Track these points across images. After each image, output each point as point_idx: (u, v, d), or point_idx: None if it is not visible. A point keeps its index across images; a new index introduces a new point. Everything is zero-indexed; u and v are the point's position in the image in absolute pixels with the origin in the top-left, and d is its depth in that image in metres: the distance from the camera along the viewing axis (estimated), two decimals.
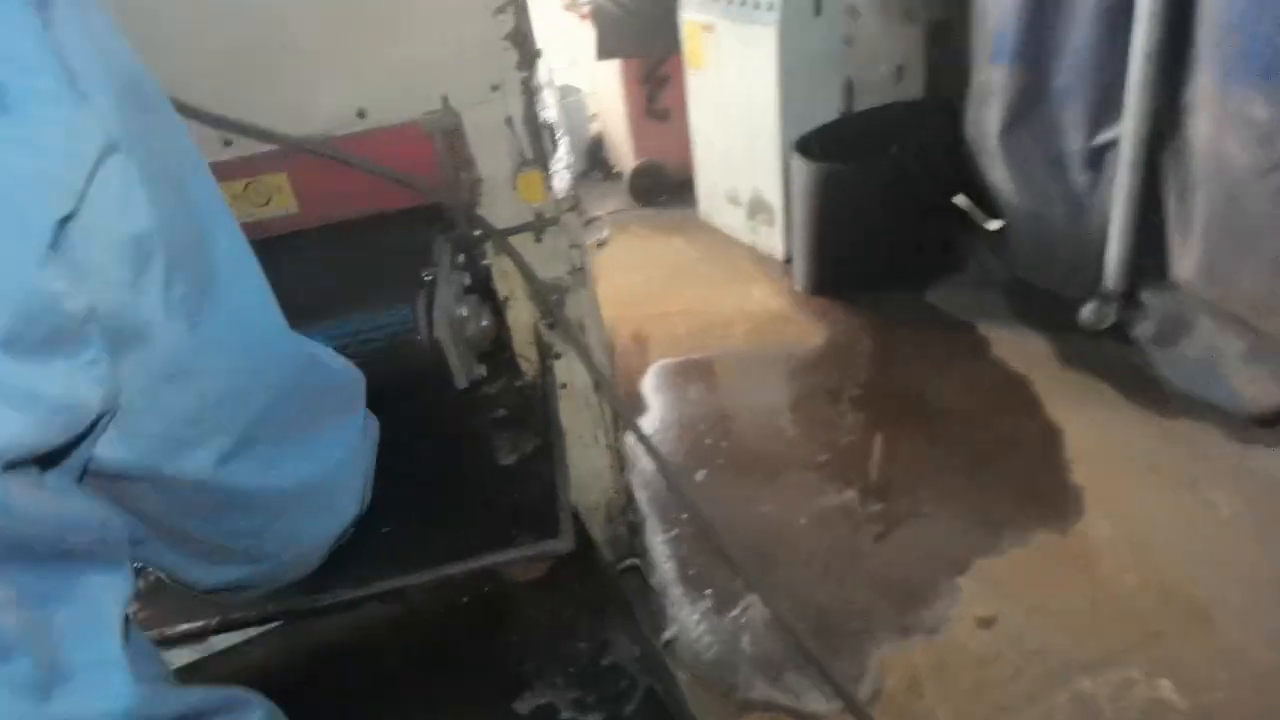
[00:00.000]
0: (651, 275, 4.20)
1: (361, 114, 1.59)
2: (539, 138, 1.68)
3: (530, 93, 1.63)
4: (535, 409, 1.91)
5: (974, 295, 3.57)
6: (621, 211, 4.99)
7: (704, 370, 3.42)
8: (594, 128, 5.69)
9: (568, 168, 1.87)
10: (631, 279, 4.17)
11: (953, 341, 3.34)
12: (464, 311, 1.39)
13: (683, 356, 3.50)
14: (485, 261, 1.74)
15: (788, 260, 3.98)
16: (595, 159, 5.67)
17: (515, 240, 1.74)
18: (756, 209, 4.13)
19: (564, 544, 1.48)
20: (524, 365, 1.96)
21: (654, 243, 4.58)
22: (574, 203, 1.78)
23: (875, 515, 2.58)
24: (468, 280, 1.51)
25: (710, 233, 4.52)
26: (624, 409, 1.77)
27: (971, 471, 2.69)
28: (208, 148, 1.58)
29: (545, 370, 1.88)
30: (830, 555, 2.47)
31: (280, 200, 1.66)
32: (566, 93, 5.42)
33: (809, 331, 3.53)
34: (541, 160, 1.69)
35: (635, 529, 2.40)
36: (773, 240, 4.08)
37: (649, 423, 3.11)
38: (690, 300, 3.91)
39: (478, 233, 1.69)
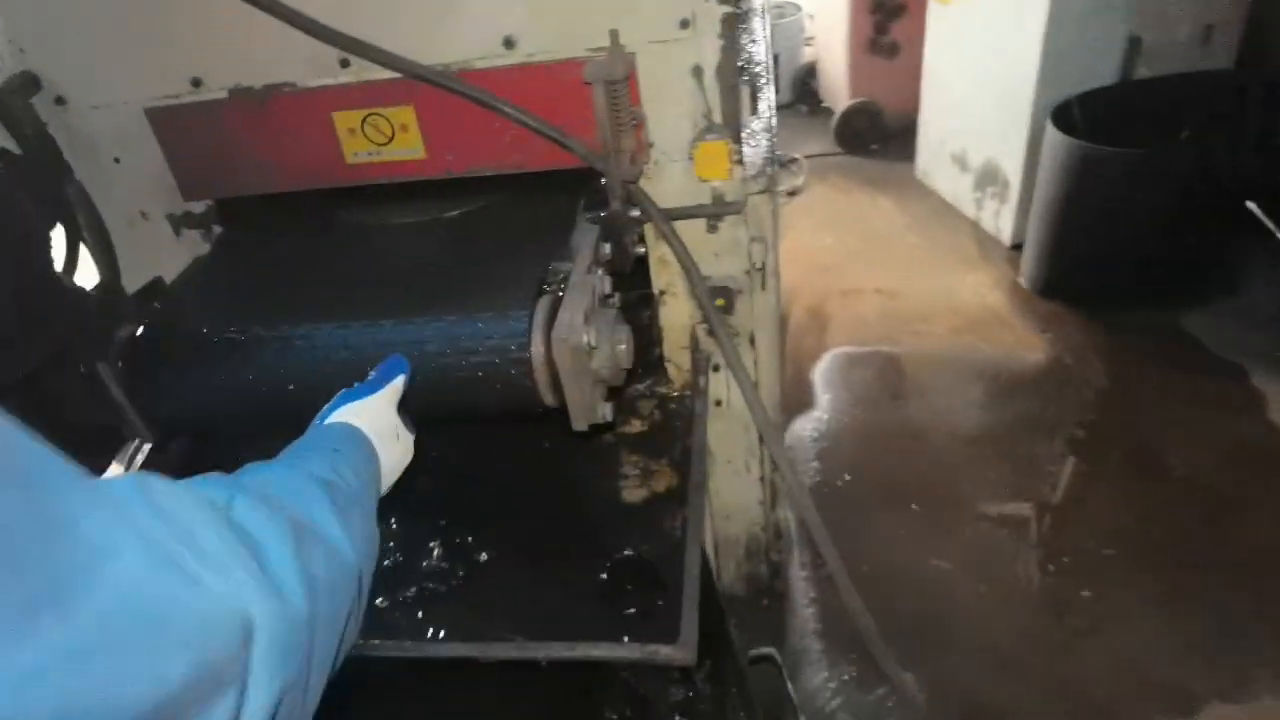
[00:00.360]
0: (847, 239, 3.67)
1: (509, 44, 1.22)
2: (734, 97, 1.25)
3: (732, 34, 1.19)
4: (677, 432, 1.55)
5: (1249, 331, 2.83)
6: (824, 156, 4.42)
7: (891, 369, 2.92)
8: (807, 53, 5.07)
9: (768, 131, 1.43)
10: (822, 240, 3.66)
11: (1213, 388, 2.66)
12: (589, 340, 1.02)
13: (868, 347, 3.01)
14: (640, 250, 1.36)
15: (1016, 247, 3.34)
16: (803, 90, 5.07)
17: (683, 226, 1.34)
18: (988, 178, 3.47)
19: (682, 654, 1.13)
20: (673, 372, 1.59)
21: (856, 199, 4.01)
22: (768, 183, 1.34)
23: (1079, 604, 2.07)
24: (608, 287, 1.13)
25: (925, 196, 3.90)
26: (786, 461, 1.36)
27: (1218, 573, 2.10)
28: (321, 65, 1.27)
29: (697, 388, 1.49)
30: (1013, 645, 2.00)
31: (405, 140, 1.33)
32: (781, 10, 4.82)
33: (1029, 342, 2.93)
34: (732, 127, 1.27)
35: (778, 569, 2.02)
36: (1001, 219, 3.43)
37: (814, 423, 2.68)
38: (888, 277, 3.37)
39: (635, 213, 1.30)
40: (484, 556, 1.40)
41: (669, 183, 1.32)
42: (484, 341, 1.08)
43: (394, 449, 0.97)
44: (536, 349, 1.06)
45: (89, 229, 1.49)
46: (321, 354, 1.14)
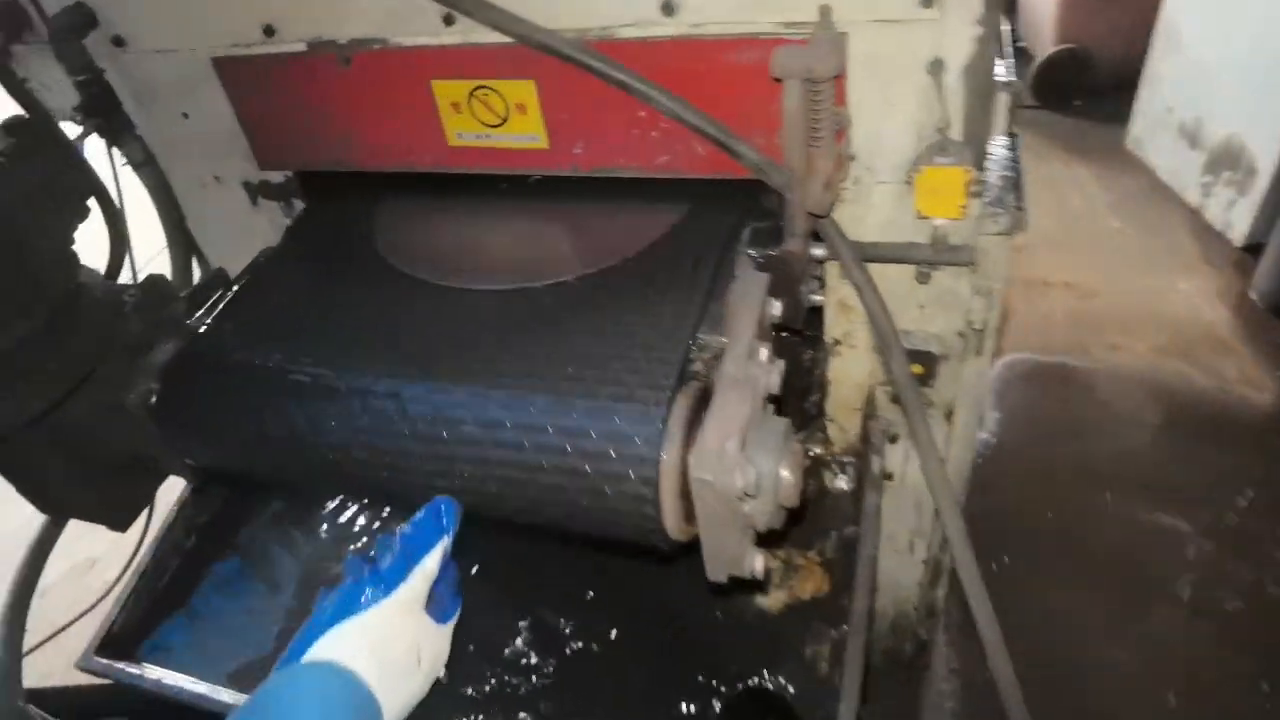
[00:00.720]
0: (1037, 215, 3.05)
1: (668, 9, 0.87)
2: (985, 107, 0.86)
3: (995, 19, 0.81)
4: (833, 516, 1.22)
5: None
6: (1016, 109, 3.79)
7: (1078, 389, 2.45)
8: None
9: (1013, 149, 1.03)
10: None
11: None
12: (745, 482, 0.69)
13: (1052, 357, 2.54)
14: (815, 298, 1.01)
15: (1250, 249, 2.74)
16: None
17: (881, 271, 0.98)
18: (1225, 160, 2.85)
19: None
20: (834, 431, 1.25)
21: (1051, 166, 3.42)
22: (1011, 224, 0.96)
23: None
24: (777, 381, 0.79)
25: (1135, 171, 3.29)
26: (973, 573, 1.01)
27: None
28: (418, 20, 0.96)
29: (869, 472, 1.15)
30: None
31: (522, 124, 1.02)
32: None
33: (1256, 378, 2.39)
34: (975, 147, 0.88)
35: (924, 646, 1.69)
36: (1235, 213, 2.82)
37: (978, 448, 2.27)
38: (1082, 269, 2.85)
39: (818, 252, 0.95)
40: (576, 648, 1.14)
41: (871, 211, 0.96)
42: (591, 443, 0.77)
43: (410, 680, 0.69)
44: (669, 468, 0.74)
45: (154, 193, 1.26)
46: (383, 419, 0.86)
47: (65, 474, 0.95)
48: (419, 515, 0.72)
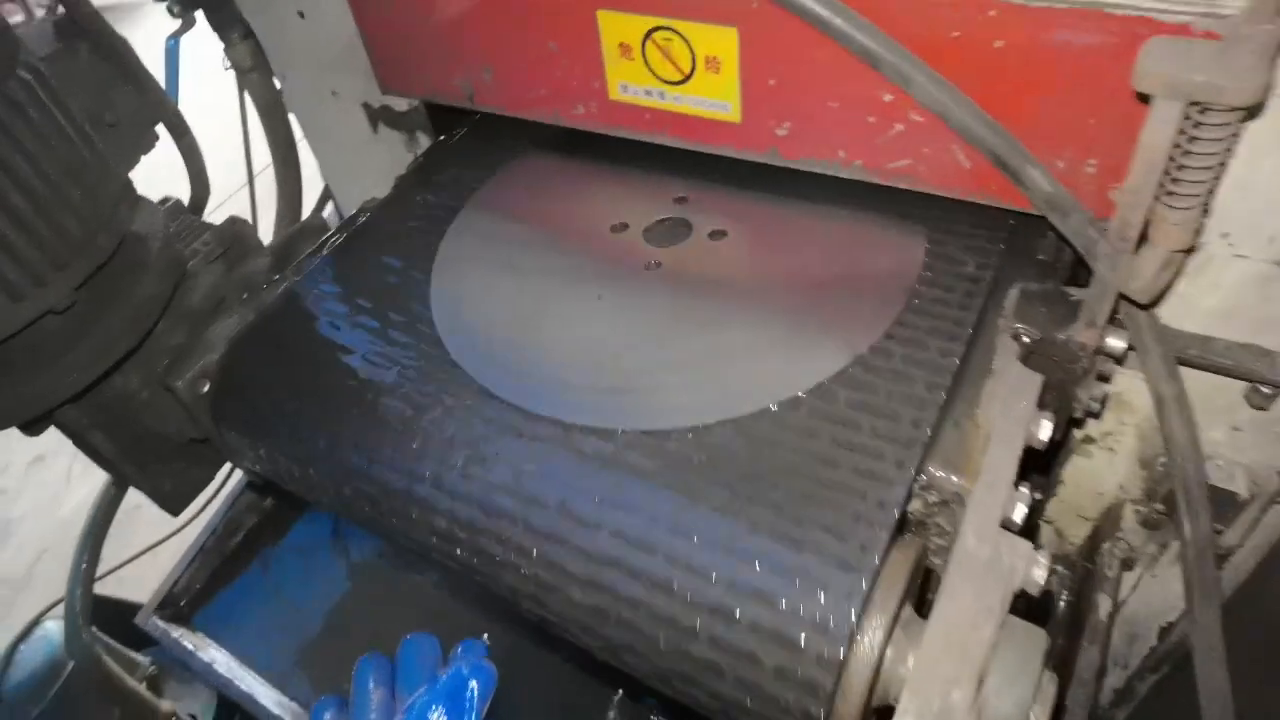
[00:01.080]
0: None
1: None
2: None
3: None
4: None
5: None
6: None
7: None
8: None
9: None
10: None
11: None
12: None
13: None
14: (1099, 394, 0.69)
15: None
16: None
17: (1198, 379, 0.66)
18: None
19: None
20: (1047, 534, 0.96)
21: None
22: None
23: None
24: (1038, 575, 0.50)
25: None
26: None
27: None
28: None
29: (1088, 611, 0.86)
30: None
31: (711, 85, 0.73)
32: None
33: None
34: None
35: None
36: None
37: None
38: None
39: (1115, 343, 0.64)
40: None
41: (1210, 294, 0.64)
42: (742, 628, 0.51)
43: None
44: (856, 683, 0.49)
45: (261, 107, 1.06)
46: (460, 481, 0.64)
47: (110, 450, 0.79)
48: (435, 686, 0.48)
